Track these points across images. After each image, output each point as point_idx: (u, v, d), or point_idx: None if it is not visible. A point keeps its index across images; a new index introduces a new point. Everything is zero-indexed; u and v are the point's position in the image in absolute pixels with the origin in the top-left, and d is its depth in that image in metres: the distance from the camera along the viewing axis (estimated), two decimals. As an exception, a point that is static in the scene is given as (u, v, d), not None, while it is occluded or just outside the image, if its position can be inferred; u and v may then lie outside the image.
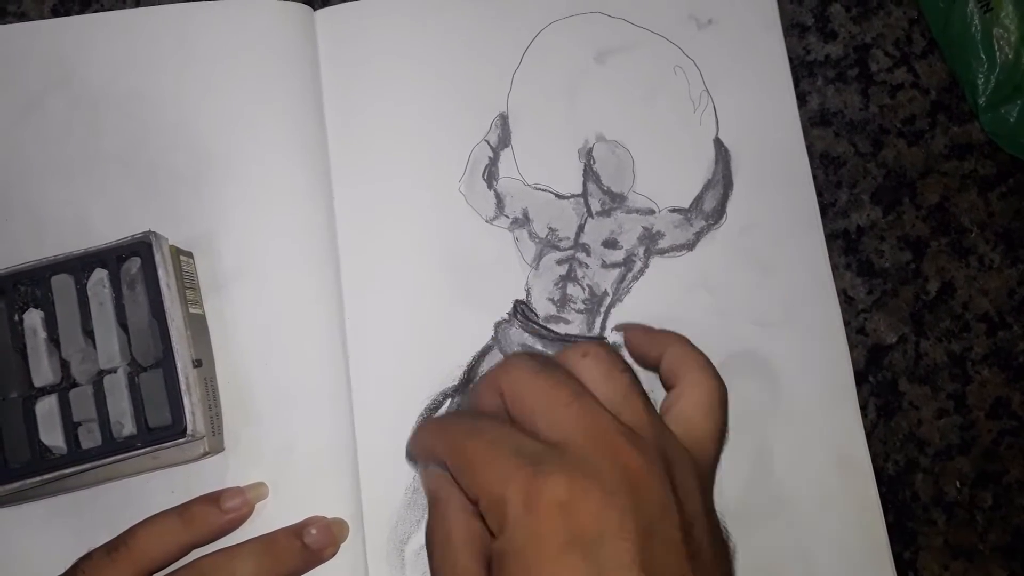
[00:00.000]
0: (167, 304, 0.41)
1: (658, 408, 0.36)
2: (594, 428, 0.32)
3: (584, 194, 0.47)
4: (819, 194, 0.48)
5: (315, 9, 0.49)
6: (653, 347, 0.39)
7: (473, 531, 0.34)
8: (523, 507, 0.31)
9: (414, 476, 0.44)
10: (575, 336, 0.46)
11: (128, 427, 0.40)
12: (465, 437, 0.34)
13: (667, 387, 0.38)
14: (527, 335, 0.46)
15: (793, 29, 0.50)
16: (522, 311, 0.46)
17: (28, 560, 0.43)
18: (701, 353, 0.38)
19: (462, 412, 0.38)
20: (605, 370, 0.35)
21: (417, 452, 0.39)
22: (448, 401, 0.45)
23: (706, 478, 0.35)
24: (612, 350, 0.36)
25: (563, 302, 0.46)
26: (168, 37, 0.48)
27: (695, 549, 0.31)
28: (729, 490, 0.44)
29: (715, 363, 0.37)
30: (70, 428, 0.40)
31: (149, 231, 0.42)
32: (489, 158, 0.48)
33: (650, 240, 0.47)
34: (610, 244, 0.47)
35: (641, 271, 0.46)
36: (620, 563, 0.30)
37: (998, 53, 0.47)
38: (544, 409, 0.33)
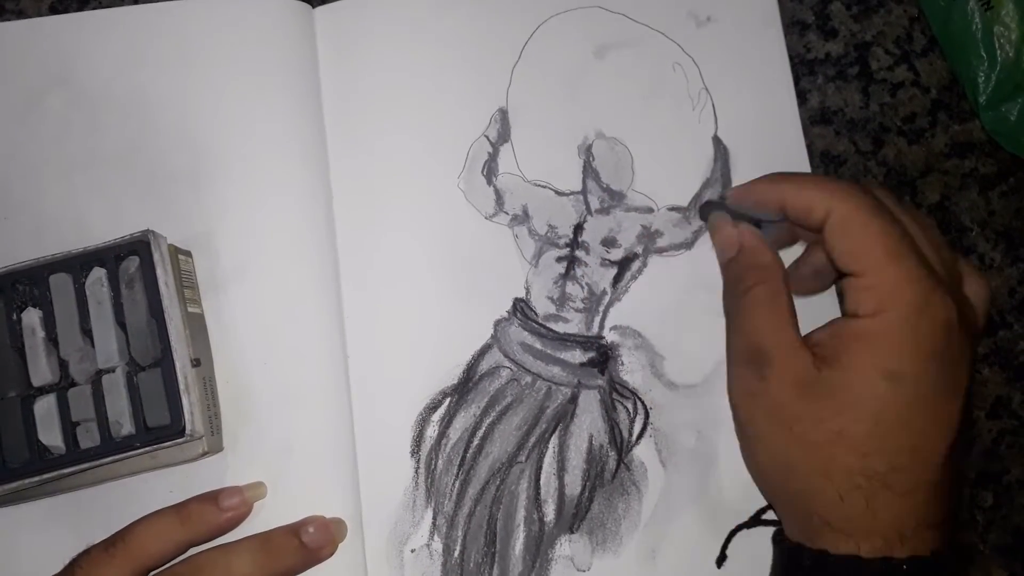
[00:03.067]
0: (165, 303, 0.41)
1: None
2: (958, 279, 0.37)
3: (583, 191, 0.47)
4: (819, 192, 0.48)
5: (314, 7, 0.49)
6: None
7: (792, 303, 0.38)
8: (917, 309, 0.34)
9: (413, 476, 0.44)
10: (574, 335, 0.46)
11: (127, 427, 0.40)
12: (871, 212, 0.36)
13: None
14: (526, 333, 0.46)
15: (793, 27, 0.50)
16: (521, 309, 0.46)
17: (27, 559, 0.43)
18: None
19: (839, 180, 0.39)
20: (945, 242, 0.38)
21: (760, 198, 0.39)
22: (447, 400, 0.45)
23: None
24: None
25: (562, 300, 0.46)
26: (167, 35, 0.48)
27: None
28: (730, 486, 0.44)
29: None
30: (68, 428, 0.40)
31: (147, 230, 0.42)
32: (488, 153, 0.48)
33: (649, 239, 0.47)
34: (609, 242, 0.47)
35: (640, 270, 0.46)
36: (957, 388, 0.35)
37: (999, 51, 0.47)
38: (921, 239, 0.36)
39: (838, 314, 0.43)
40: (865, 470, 0.34)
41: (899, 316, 0.34)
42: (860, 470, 0.34)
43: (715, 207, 0.42)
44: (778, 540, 0.38)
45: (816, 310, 0.40)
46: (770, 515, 0.42)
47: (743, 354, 0.38)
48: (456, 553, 0.44)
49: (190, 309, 0.43)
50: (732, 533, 0.42)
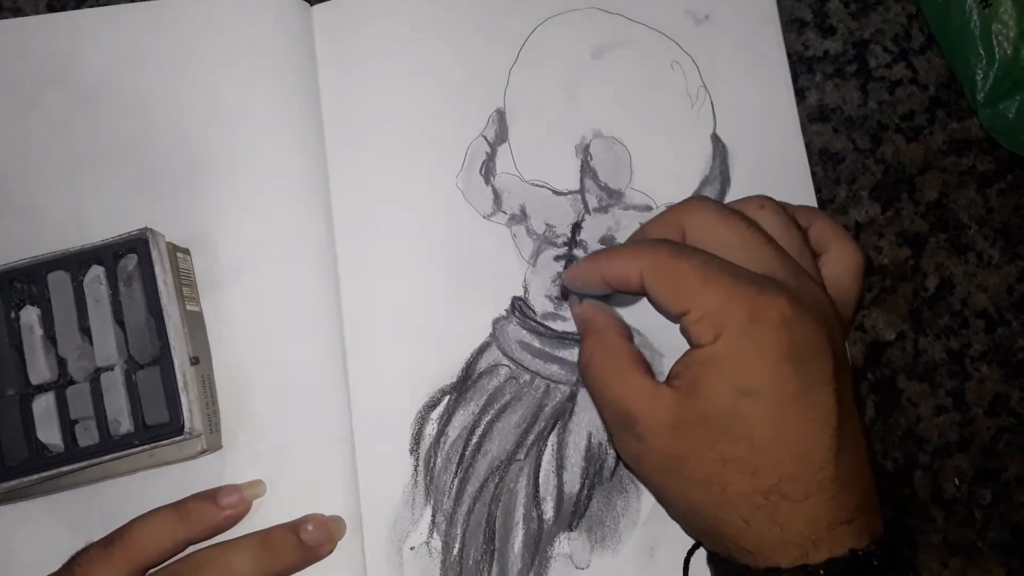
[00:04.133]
0: (164, 301, 0.41)
1: None
2: (794, 266, 0.36)
3: (581, 190, 0.47)
4: (817, 190, 0.48)
5: (312, 4, 0.49)
6: (800, 217, 0.40)
7: (636, 351, 0.38)
8: (748, 320, 0.34)
9: (412, 474, 0.44)
10: (573, 334, 0.46)
11: (125, 425, 0.40)
12: (671, 258, 0.36)
13: (815, 254, 0.39)
14: (525, 332, 0.46)
15: (792, 25, 0.50)
16: (520, 308, 0.46)
17: (25, 558, 0.43)
18: (843, 227, 0.41)
19: (642, 240, 0.39)
20: (783, 222, 0.38)
21: (586, 279, 0.39)
22: (446, 398, 0.45)
23: (845, 337, 0.38)
24: (784, 205, 0.39)
25: (561, 299, 0.46)
26: (164, 33, 0.48)
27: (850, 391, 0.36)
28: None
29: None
30: (67, 426, 0.40)
31: (146, 228, 0.42)
32: (486, 153, 0.48)
33: (648, 237, 0.47)
34: (607, 241, 0.47)
35: (639, 268, 0.46)
36: (822, 379, 0.34)
37: (997, 49, 0.47)
38: (738, 247, 0.36)
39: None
40: (758, 488, 0.34)
41: (735, 334, 0.34)
42: (753, 490, 0.34)
43: (567, 291, 0.43)
44: (711, 559, 0.38)
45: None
46: None
47: (613, 423, 0.38)
48: (455, 551, 0.44)
49: (188, 307, 0.43)
50: (687, 559, 0.42)
